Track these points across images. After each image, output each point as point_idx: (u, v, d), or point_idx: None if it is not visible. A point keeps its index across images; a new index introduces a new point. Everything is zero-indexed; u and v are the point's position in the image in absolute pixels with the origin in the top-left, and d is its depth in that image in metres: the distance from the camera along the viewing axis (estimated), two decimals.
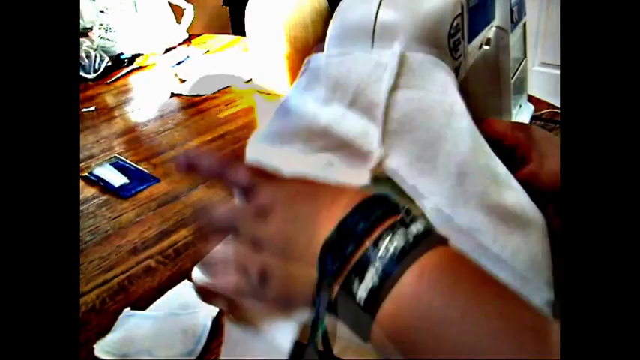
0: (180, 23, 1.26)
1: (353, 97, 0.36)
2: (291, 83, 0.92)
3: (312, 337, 0.27)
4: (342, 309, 0.26)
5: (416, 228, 0.26)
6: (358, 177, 0.34)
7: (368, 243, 0.25)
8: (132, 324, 0.45)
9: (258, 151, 0.39)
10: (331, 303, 0.26)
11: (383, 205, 0.27)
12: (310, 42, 0.90)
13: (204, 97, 0.96)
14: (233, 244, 0.32)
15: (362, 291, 0.25)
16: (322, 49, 0.42)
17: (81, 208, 0.64)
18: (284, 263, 0.29)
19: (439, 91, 0.36)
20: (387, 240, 0.25)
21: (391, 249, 0.25)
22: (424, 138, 0.35)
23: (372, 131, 0.35)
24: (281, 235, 0.29)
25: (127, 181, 0.69)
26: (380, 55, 0.36)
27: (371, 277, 0.24)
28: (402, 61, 0.35)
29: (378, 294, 0.24)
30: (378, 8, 0.38)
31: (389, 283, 0.24)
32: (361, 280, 0.25)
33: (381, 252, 0.25)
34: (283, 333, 0.31)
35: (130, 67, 1.14)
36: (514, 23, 0.55)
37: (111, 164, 0.73)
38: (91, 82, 1.08)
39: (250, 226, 0.31)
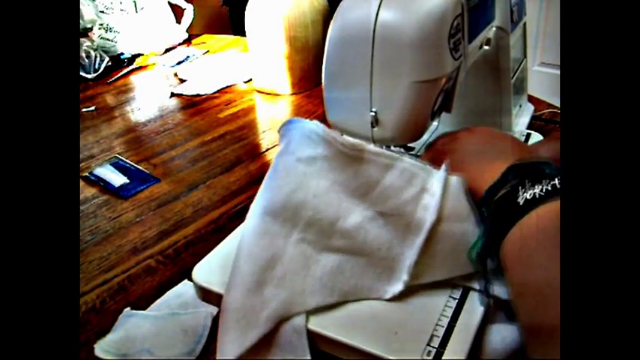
0: (180, 23, 1.26)
1: (389, 209, 0.38)
2: (291, 83, 0.93)
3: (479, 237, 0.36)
4: (497, 211, 0.34)
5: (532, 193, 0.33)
6: (375, 291, 0.37)
7: (556, 180, 0.32)
8: (132, 324, 0.45)
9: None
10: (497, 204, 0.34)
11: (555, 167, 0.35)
12: (310, 42, 0.90)
13: (204, 97, 0.96)
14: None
15: (525, 195, 0.32)
16: (322, 49, 0.42)
17: (81, 208, 0.64)
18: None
19: (472, 221, 0.38)
20: (556, 181, 0.32)
21: (559, 185, 0.32)
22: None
23: (399, 252, 0.37)
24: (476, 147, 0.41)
25: (127, 181, 0.69)
26: (423, 178, 0.39)
27: (536, 192, 0.32)
28: (444, 187, 0.38)
29: (536, 203, 0.32)
30: (379, 8, 0.38)
31: (540, 202, 0.32)
32: (528, 189, 0.33)
33: (548, 186, 0.32)
34: None
35: (130, 67, 1.14)
36: (514, 23, 0.55)
37: (111, 164, 0.73)
38: (91, 82, 1.08)
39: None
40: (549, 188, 0.32)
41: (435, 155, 0.43)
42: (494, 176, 0.35)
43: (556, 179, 0.32)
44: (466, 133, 0.44)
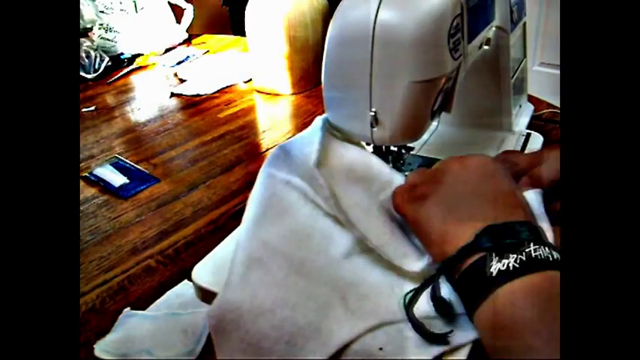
0: (180, 23, 1.26)
1: None
2: (291, 83, 0.93)
3: (432, 280, 0.33)
4: (466, 280, 0.32)
5: (547, 252, 0.30)
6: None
7: (532, 246, 0.30)
8: (132, 324, 0.45)
9: None
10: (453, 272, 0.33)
11: (535, 230, 0.33)
12: (310, 42, 0.90)
13: (204, 97, 0.96)
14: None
15: (498, 266, 0.30)
16: (322, 49, 0.42)
17: (81, 208, 0.64)
18: (443, 209, 0.35)
19: None
20: (532, 249, 0.30)
21: (534, 254, 0.30)
22: None
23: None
24: (450, 194, 0.36)
25: (127, 181, 0.69)
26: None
27: (510, 263, 0.30)
28: None
29: (506, 276, 0.29)
30: (378, 8, 0.38)
31: (514, 275, 0.29)
32: (501, 258, 0.30)
33: (523, 255, 0.30)
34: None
35: (130, 67, 1.14)
36: (514, 23, 0.55)
37: (111, 164, 0.73)
38: (91, 82, 1.08)
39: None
40: (524, 259, 0.30)
41: (424, 180, 0.38)
42: (468, 234, 0.33)
43: (532, 246, 0.30)
44: (458, 166, 0.38)
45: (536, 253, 0.30)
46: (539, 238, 0.32)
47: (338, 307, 0.34)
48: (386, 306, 0.35)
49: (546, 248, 0.30)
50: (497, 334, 0.29)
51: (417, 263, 0.37)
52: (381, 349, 0.32)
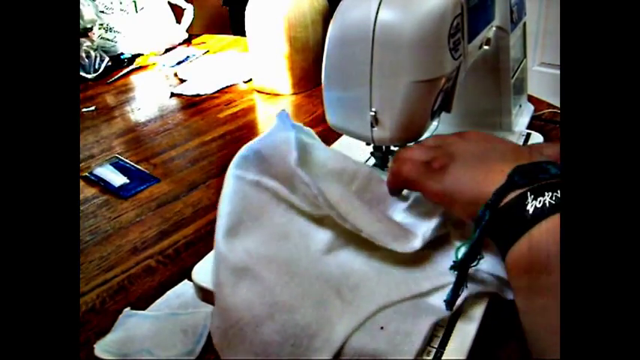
0: (180, 23, 1.26)
1: None
2: (291, 83, 0.93)
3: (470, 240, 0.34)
4: (502, 220, 0.32)
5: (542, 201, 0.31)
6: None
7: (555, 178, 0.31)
8: (132, 324, 0.45)
9: None
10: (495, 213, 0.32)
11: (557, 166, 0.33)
12: (310, 42, 0.90)
13: (204, 97, 0.96)
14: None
15: (535, 203, 0.31)
16: (322, 49, 0.42)
17: (81, 208, 0.64)
18: (465, 168, 0.36)
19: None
20: (556, 187, 0.31)
21: (559, 192, 0.31)
22: None
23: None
24: (473, 149, 0.38)
25: (127, 181, 0.69)
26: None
27: (546, 200, 0.30)
28: None
29: (545, 212, 0.30)
30: (378, 8, 0.38)
31: (550, 212, 0.30)
32: (537, 196, 0.31)
33: (557, 192, 0.31)
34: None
35: (130, 67, 1.14)
36: (514, 23, 0.55)
37: (111, 164, 0.73)
38: (91, 82, 1.08)
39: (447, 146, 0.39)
40: (559, 195, 0.30)
41: (428, 159, 0.39)
42: (500, 178, 0.33)
43: None
44: (458, 137, 0.40)
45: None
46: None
47: (334, 301, 0.35)
48: (379, 292, 0.35)
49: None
50: (531, 269, 0.30)
51: (409, 244, 0.38)
52: (382, 328, 0.33)
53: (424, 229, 0.39)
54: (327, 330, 0.33)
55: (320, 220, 0.41)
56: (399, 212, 0.43)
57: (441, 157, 0.38)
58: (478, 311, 0.35)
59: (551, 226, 0.29)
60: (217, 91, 0.98)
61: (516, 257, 0.31)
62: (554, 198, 0.30)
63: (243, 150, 0.44)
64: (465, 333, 0.34)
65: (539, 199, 0.30)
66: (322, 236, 0.39)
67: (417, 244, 0.38)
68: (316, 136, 0.48)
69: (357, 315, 0.34)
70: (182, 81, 1.05)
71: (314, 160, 0.43)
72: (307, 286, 0.35)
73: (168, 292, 0.49)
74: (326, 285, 0.36)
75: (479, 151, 0.37)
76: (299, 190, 0.40)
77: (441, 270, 0.38)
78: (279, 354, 0.32)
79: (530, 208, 0.30)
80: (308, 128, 0.48)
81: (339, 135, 0.49)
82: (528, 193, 0.31)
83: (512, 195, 0.32)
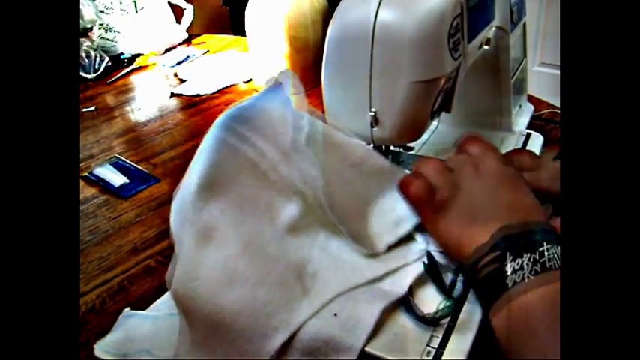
0: (180, 23, 1.26)
1: None
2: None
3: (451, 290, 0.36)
4: (482, 279, 0.33)
5: (555, 255, 0.31)
6: None
7: (544, 245, 0.32)
8: (132, 324, 0.45)
9: None
10: (475, 272, 0.34)
11: (549, 231, 0.33)
12: (310, 42, 0.90)
13: (204, 97, 0.96)
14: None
15: (514, 277, 0.31)
16: (322, 49, 0.42)
17: (81, 208, 0.64)
18: (464, 215, 0.36)
19: None
20: (545, 248, 0.32)
21: (547, 254, 0.31)
22: None
23: None
24: (476, 195, 0.37)
25: (127, 181, 0.69)
26: None
27: (524, 262, 0.31)
28: None
29: (519, 275, 0.31)
30: (378, 8, 0.38)
31: (527, 274, 0.31)
32: (517, 269, 0.31)
33: (536, 254, 0.31)
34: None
35: (130, 67, 1.14)
36: (514, 23, 0.55)
37: (111, 164, 0.73)
38: (91, 82, 1.08)
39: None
40: (537, 257, 0.31)
41: (437, 184, 0.39)
42: (484, 240, 0.34)
43: (545, 245, 0.32)
44: (474, 172, 0.38)
45: (549, 253, 0.31)
46: (554, 238, 0.32)
47: (295, 285, 0.36)
48: (335, 280, 0.37)
49: (559, 248, 0.32)
50: (512, 331, 0.31)
51: (377, 246, 0.39)
52: (335, 314, 0.34)
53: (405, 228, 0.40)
54: (285, 311, 0.34)
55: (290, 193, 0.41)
56: (390, 197, 0.43)
57: (445, 190, 0.38)
58: (478, 311, 0.35)
59: (529, 292, 0.30)
60: (217, 91, 0.98)
61: (498, 323, 0.32)
62: (531, 260, 0.31)
63: (235, 110, 0.43)
64: (465, 333, 0.34)
65: (517, 260, 0.31)
66: (287, 212, 0.39)
67: (381, 247, 0.39)
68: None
69: (315, 302, 0.35)
70: (182, 81, 1.05)
71: (312, 129, 0.42)
72: (271, 265, 0.36)
73: (169, 292, 0.49)
74: (287, 267, 0.37)
75: (481, 197, 0.37)
76: (291, 160, 0.40)
77: (395, 254, 0.39)
78: (232, 323, 0.33)
79: (507, 269, 0.32)
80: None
81: None
82: (508, 254, 0.32)
83: (492, 255, 0.33)
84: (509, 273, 0.31)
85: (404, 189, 0.40)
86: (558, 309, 0.28)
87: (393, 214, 0.41)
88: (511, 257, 0.32)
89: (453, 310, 0.35)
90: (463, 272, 0.36)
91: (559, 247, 0.32)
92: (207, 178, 0.39)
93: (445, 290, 0.36)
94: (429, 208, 0.38)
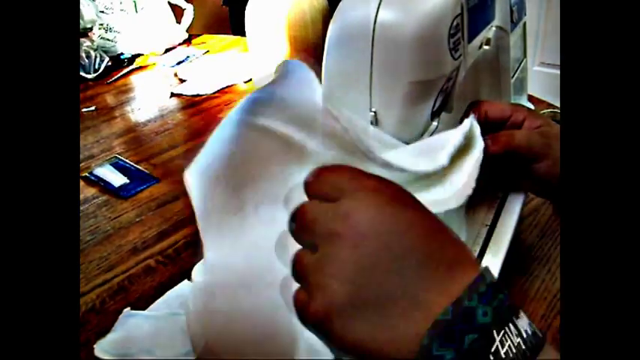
0: (180, 23, 1.26)
1: None
2: None
3: None
4: None
5: (530, 330, 0.23)
6: None
7: (496, 337, 0.21)
8: (132, 324, 0.45)
9: None
10: None
11: (497, 288, 0.23)
12: (310, 42, 0.90)
13: (204, 97, 0.96)
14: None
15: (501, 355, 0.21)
16: (322, 49, 0.42)
17: (81, 208, 0.64)
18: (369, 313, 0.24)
19: None
20: (513, 339, 0.22)
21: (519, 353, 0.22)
22: None
23: None
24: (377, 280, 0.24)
25: (127, 181, 0.69)
26: None
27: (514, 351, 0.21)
28: None
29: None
30: (378, 8, 0.38)
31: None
32: (503, 342, 0.21)
33: (508, 352, 0.21)
34: None
35: (130, 67, 1.14)
36: (514, 23, 0.55)
37: (111, 164, 0.73)
38: (91, 82, 1.08)
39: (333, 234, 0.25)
40: (524, 347, 0.22)
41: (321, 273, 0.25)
42: (411, 342, 0.22)
43: (497, 337, 0.22)
44: (349, 234, 0.25)
45: (504, 350, 0.21)
46: (503, 312, 0.22)
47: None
48: None
49: (516, 336, 0.22)
50: None
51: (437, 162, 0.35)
52: None
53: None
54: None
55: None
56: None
57: (314, 299, 0.25)
58: None
59: None
60: (217, 91, 0.98)
61: None
62: (521, 350, 0.22)
63: (254, 93, 0.37)
64: None
65: (504, 348, 0.22)
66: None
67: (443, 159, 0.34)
68: None
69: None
70: (182, 81, 1.05)
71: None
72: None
73: (168, 292, 0.49)
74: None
75: (374, 272, 0.24)
76: (320, 131, 0.35)
77: None
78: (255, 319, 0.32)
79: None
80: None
81: None
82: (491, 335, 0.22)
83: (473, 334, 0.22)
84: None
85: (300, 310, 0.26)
86: None
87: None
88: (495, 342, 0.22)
89: None
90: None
91: (515, 330, 0.22)
92: (234, 168, 0.36)
93: None
94: (329, 321, 0.24)
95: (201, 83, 1.01)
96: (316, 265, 0.25)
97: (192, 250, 0.55)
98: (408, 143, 0.47)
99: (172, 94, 0.98)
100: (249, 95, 0.37)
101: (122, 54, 1.19)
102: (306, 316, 0.25)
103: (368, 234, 0.24)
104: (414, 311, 0.23)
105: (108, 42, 1.18)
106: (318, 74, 0.44)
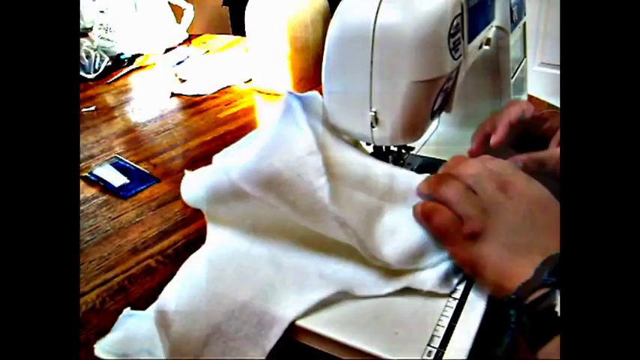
0: (180, 23, 1.26)
1: None
2: (291, 83, 0.93)
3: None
4: (531, 318, 0.30)
5: None
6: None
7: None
8: (132, 324, 0.45)
9: None
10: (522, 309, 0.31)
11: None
12: (310, 42, 0.90)
13: (204, 97, 0.96)
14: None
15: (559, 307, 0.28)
16: (322, 49, 0.42)
17: (81, 208, 0.64)
18: (498, 248, 0.34)
19: None
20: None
21: None
22: None
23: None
24: (512, 225, 0.34)
25: (127, 181, 0.69)
26: None
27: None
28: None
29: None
30: (378, 8, 0.38)
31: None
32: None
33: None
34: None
35: (130, 67, 1.14)
36: (514, 23, 0.55)
37: (111, 164, 0.73)
38: (91, 82, 1.08)
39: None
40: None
41: (464, 213, 0.36)
42: (528, 271, 0.31)
43: None
44: (503, 196, 0.35)
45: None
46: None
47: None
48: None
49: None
50: None
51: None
52: None
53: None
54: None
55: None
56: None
57: (476, 219, 0.35)
58: (478, 312, 0.35)
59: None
60: (217, 91, 0.98)
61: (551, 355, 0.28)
62: None
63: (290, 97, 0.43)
64: (466, 333, 0.34)
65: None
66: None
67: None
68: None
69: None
70: (182, 81, 1.05)
71: (334, 164, 0.41)
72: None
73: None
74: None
75: (515, 222, 0.34)
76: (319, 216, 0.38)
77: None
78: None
79: (558, 309, 0.28)
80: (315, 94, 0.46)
81: None
82: (557, 292, 0.29)
83: (540, 292, 0.30)
84: (558, 307, 0.28)
85: (426, 219, 0.37)
86: None
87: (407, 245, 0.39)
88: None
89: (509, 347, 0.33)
90: (509, 306, 0.32)
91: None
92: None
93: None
94: (457, 238, 0.35)
95: (201, 83, 1.01)
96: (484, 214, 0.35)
97: (192, 250, 0.55)
98: (408, 143, 0.47)
99: (172, 94, 0.98)
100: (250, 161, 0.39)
101: (122, 54, 1.19)
102: (431, 223, 0.37)
103: (521, 194, 0.35)
104: (536, 252, 0.32)
105: (108, 42, 1.18)
106: (318, 74, 0.44)
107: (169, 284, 0.39)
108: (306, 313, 0.36)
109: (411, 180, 0.41)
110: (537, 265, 0.31)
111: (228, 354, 0.35)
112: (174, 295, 0.38)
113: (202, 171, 0.43)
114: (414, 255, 0.38)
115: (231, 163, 0.40)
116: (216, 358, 0.35)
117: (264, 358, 0.35)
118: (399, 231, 0.39)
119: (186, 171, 0.44)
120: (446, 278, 0.37)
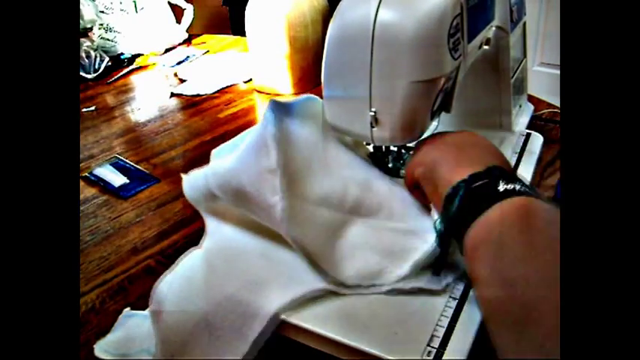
0: (180, 23, 1.26)
1: None
2: (291, 83, 0.93)
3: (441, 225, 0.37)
4: (470, 199, 0.34)
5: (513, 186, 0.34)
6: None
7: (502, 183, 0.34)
8: (132, 324, 0.45)
9: None
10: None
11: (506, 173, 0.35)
12: (310, 42, 0.90)
13: (204, 97, 0.96)
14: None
15: (505, 187, 0.33)
16: (322, 49, 0.42)
17: (81, 208, 0.64)
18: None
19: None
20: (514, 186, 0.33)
21: (530, 188, 0.34)
22: None
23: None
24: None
25: (127, 181, 0.69)
26: None
27: (517, 186, 0.33)
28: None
29: (515, 193, 0.33)
30: (378, 8, 0.38)
31: (521, 193, 0.33)
32: (506, 183, 0.34)
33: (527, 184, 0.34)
34: None
35: (130, 67, 1.14)
36: (514, 23, 0.55)
37: (111, 164, 0.73)
38: (91, 82, 1.08)
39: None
40: (528, 190, 0.33)
41: (427, 152, 0.41)
42: (480, 168, 0.36)
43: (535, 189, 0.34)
44: (449, 136, 0.42)
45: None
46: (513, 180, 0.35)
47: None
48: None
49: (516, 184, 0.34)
50: (494, 244, 0.31)
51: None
52: None
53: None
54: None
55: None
56: (390, 229, 0.42)
57: (429, 154, 0.40)
58: (478, 311, 0.35)
59: (519, 202, 0.32)
60: (217, 91, 0.98)
61: (482, 225, 0.32)
62: (522, 188, 0.33)
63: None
64: (465, 333, 0.34)
65: (509, 185, 0.33)
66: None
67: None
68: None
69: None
70: (182, 81, 1.05)
71: (299, 185, 0.42)
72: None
73: None
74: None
75: (462, 148, 0.39)
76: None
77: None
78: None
79: (500, 188, 0.33)
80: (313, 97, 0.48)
81: None
82: (501, 180, 0.34)
83: (486, 179, 0.34)
84: (501, 187, 0.33)
85: (409, 179, 0.42)
86: (537, 221, 0.30)
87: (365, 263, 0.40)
88: (504, 181, 0.33)
89: (449, 226, 0.36)
90: (455, 190, 0.36)
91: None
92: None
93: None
94: (424, 173, 0.40)
95: (201, 83, 1.01)
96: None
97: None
98: (407, 143, 0.47)
99: (172, 94, 0.98)
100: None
101: (122, 54, 1.19)
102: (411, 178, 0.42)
103: (462, 134, 0.42)
104: (477, 164, 0.36)
105: (108, 42, 1.18)
106: (318, 74, 0.44)
107: (166, 275, 0.41)
108: (292, 307, 0.36)
109: (388, 190, 0.43)
110: (481, 168, 0.35)
111: (213, 343, 0.36)
112: (167, 284, 0.40)
113: (194, 172, 0.46)
114: (371, 274, 0.38)
115: (212, 169, 0.44)
116: (200, 347, 0.36)
117: (247, 348, 0.35)
118: (361, 247, 0.40)
119: (182, 174, 0.46)
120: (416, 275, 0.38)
